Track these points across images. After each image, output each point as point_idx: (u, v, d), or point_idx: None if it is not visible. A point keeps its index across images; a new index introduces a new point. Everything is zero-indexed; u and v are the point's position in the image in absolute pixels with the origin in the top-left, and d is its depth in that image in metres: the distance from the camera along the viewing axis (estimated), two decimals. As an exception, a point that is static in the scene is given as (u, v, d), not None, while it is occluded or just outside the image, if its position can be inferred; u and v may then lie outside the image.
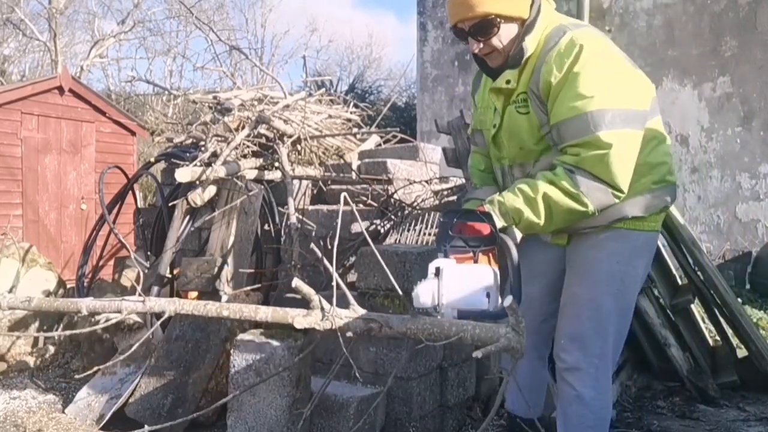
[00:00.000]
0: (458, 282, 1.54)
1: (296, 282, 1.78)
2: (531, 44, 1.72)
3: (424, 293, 1.56)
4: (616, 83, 1.65)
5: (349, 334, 1.73)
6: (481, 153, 2.08)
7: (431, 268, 1.58)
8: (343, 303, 1.81)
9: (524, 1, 1.73)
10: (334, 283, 1.76)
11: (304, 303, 1.84)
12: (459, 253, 1.61)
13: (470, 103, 2.15)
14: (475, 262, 1.61)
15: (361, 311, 1.76)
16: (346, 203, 2.02)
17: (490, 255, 1.65)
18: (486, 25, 1.70)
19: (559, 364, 1.88)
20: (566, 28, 1.70)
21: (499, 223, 1.63)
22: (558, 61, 1.66)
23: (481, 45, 1.74)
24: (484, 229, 1.60)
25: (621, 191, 1.64)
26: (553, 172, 1.66)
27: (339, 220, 2.04)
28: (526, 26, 1.73)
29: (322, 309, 1.74)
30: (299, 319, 1.77)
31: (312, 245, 1.87)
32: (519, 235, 1.69)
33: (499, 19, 1.69)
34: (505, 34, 1.73)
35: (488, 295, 1.55)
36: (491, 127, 1.89)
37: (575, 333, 1.83)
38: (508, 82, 1.77)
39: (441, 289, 1.54)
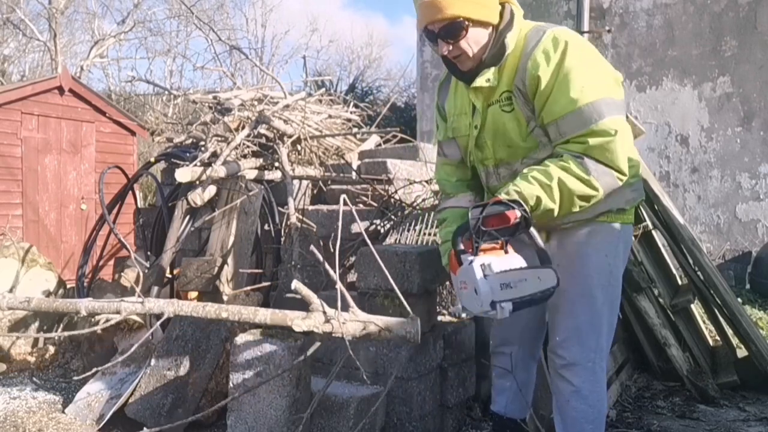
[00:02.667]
0: (513, 281, 1.55)
1: (296, 284, 1.77)
2: (511, 41, 1.76)
3: (480, 294, 1.55)
4: (602, 75, 1.73)
5: (349, 337, 1.73)
6: (450, 164, 2.09)
7: (476, 268, 1.55)
8: (343, 305, 1.81)
9: (493, 8, 1.77)
10: (338, 287, 1.75)
11: (304, 303, 1.84)
12: (489, 245, 1.61)
13: (435, 116, 2.15)
14: (506, 252, 1.62)
15: (361, 314, 1.76)
16: (345, 203, 2.02)
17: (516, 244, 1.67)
18: (455, 28, 1.73)
19: (556, 361, 1.89)
20: (545, 28, 1.76)
21: (527, 206, 1.63)
22: (544, 56, 1.70)
23: (450, 47, 1.77)
24: (513, 216, 1.60)
25: (625, 174, 1.70)
26: (561, 159, 1.69)
27: (340, 222, 2.04)
28: (505, 26, 1.77)
29: (324, 313, 1.74)
30: (298, 321, 1.77)
31: (312, 246, 1.86)
32: None
33: (467, 22, 1.72)
34: (474, 38, 1.76)
35: (529, 280, 1.56)
36: (471, 130, 1.90)
37: (571, 328, 1.85)
38: (488, 80, 1.79)
39: (494, 288, 1.53)
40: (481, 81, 1.79)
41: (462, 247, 1.64)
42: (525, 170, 1.72)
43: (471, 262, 1.58)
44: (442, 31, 1.74)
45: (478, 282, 1.54)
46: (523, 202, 1.63)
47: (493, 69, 1.78)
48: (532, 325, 2.05)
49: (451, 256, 1.71)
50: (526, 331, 2.06)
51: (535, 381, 2.22)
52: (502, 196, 1.65)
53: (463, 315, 1.66)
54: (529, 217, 1.61)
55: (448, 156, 2.08)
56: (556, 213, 1.71)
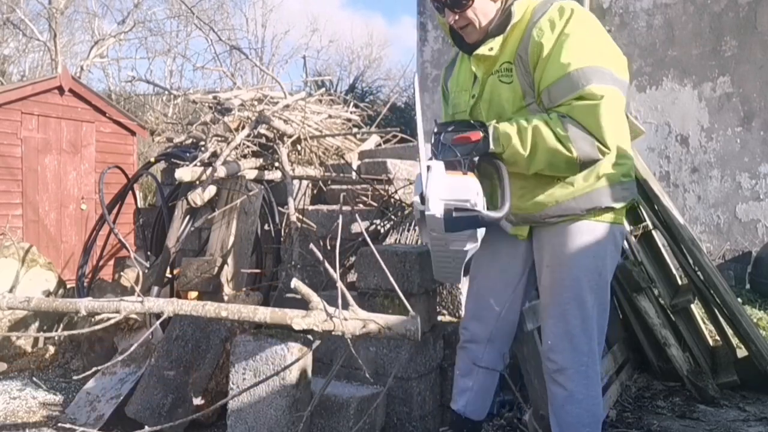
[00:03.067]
0: (447, 180, 1.58)
1: (295, 282, 1.77)
2: (519, 10, 1.76)
3: (416, 187, 1.60)
4: (604, 46, 1.71)
5: (349, 336, 1.73)
6: None
7: (423, 168, 1.60)
8: (343, 303, 1.81)
9: None
10: (338, 285, 1.75)
11: (304, 303, 1.84)
12: (448, 164, 1.64)
13: (440, 98, 2.17)
14: (464, 174, 1.64)
15: (362, 312, 1.76)
16: (346, 203, 2.02)
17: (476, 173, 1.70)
18: None
19: (549, 365, 1.87)
20: (553, 0, 1.76)
21: (498, 146, 1.66)
22: (549, 24, 1.70)
23: (457, 17, 1.78)
24: (475, 135, 1.64)
25: (607, 147, 1.65)
26: (548, 115, 1.69)
27: (339, 221, 2.04)
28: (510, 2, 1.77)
29: (324, 311, 1.74)
30: (298, 320, 1.77)
31: (311, 245, 1.86)
32: (482, 232, 1.70)
33: None
34: (481, 8, 1.77)
35: (477, 196, 1.58)
36: (469, 99, 1.89)
37: (562, 333, 1.83)
38: (490, 49, 1.78)
39: (429, 181, 1.56)
40: (484, 49, 1.79)
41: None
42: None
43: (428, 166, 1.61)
44: (450, 1, 1.76)
45: (420, 176, 1.59)
46: (493, 139, 1.66)
47: (497, 38, 1.78)
48: (502, 324, 2.03)
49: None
50: (496, 330, 2.03)
51: (536, 383, 2.21)
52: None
53: (415, 213, 1.67)
54: (488, 141, 1.64)
55: None
56: (525, 164, 1.69)
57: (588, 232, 1.80)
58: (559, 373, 1.84)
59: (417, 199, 1.59)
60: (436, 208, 1.55)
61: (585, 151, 1.64)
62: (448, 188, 1.57)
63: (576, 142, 1.63)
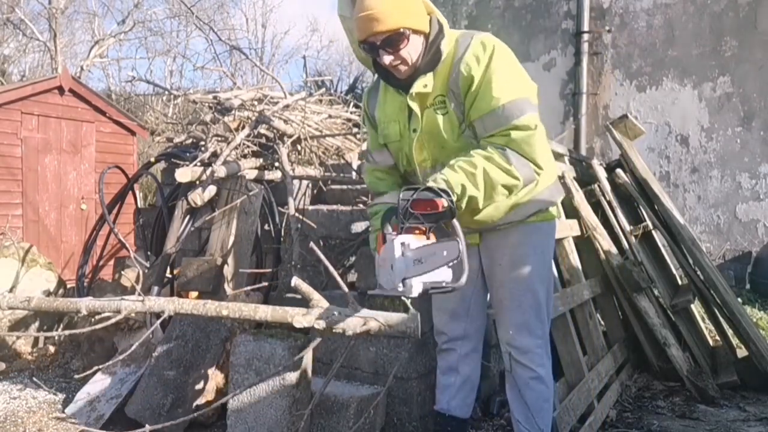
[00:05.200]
0: (419, 253, 1.60)
1: (295, 281, 1.78)
2: (446, 48, 1.88)
3: (395, 270, 1.60)
4: (523, 76, 1.89)
5: (350, 333, 1.73)
6: (381, 170, 2.17)
7: (396, 245, 1.62)
8: (343, 303, 1.81)
9: (425, 17, 1.89)
10: (337, 280, 1.76)
11: (304, 303, 1.84)
12: (416, 229, 1.67)
13: (366, 126, 2.22)
14: (428, 238, 1.67)
15: (362, 310, 1.76)
16: (346, 203, 2.03)
17: (439, 233, 1.72)
18: (397, 38, 1.81)
19: (512, 351, 2.05)
20: (472, 33, 1.91)
21: (453, 196, 1.69)
22: (476, 59, 1.83)
23: (392, 57, 1.85)
24: (441, 203, 1.67)
25: (541, 168, 1.85)
26: (486, 150, 1.80)
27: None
28: (434, 37, 1.88)
29: (326, 309, 1.74)
30: (299, 318, 1.77)
31: (311, 245, 1.87)
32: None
33: (408, 32, 1.82)
34: (413, 46, 1.86)
35: (452, 269, 1.61)
36: (410, 133, 1.98)
37: (520, 321, 2.03)
38: (425, 86, 1.89)
39: (408, 265, 1.58)
40: (419, 87, 1.89)
41: (390, 229, 1.72)
42: (452, 161, 1.80)
43: (393, 240, 1.64)
44: (384, 43, 1.82)
45: (396, 258, 1.61)
46: (449, 191, 1.69)
47: (429, 74, 1.89)
48: (473, 319, 2.17)
49: (378, 237, 1.78)
50: (468, 325, 2.16)
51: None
52: (431, 184, 1.71)
53: (377, 291, 1.70)
54: (454, 208, 1.67)
55: (378, 162, 2.17)
56: (480, 201, 1.79)
57: (533, 232, 2.03)
58: (524, 356, 2.03)
59: (392, 278, 1.61)
60: (414, 292, 1.59)
61: (526, 176, 1.83)
62: (423, 266, 1.59)
63: (519, 170, 1.79)
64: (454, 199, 1.69)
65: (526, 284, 2.02)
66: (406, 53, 1.84)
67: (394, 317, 1.76)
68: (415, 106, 1.94)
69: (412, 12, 1.82)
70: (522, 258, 2.02)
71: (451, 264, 1.60)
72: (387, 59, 1.84)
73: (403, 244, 1.62)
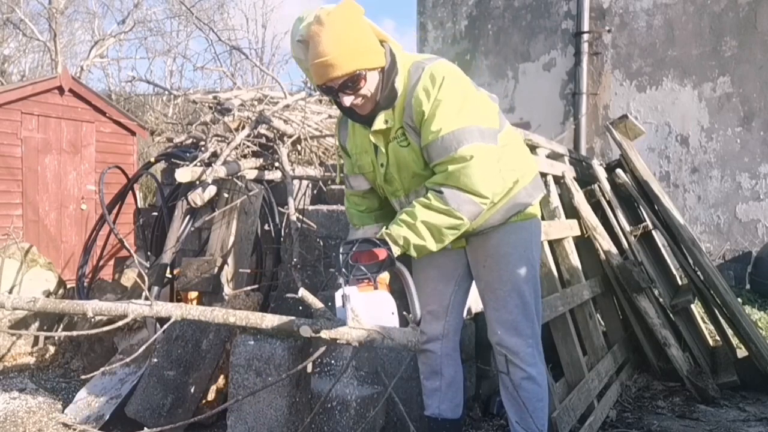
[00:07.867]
0: (368, 308, 1.75)
1: (302, 292, 1.80)
2: (400, 84, 1.88)
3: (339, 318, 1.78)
4: (470, 105, 1.87)
5: (355, 344, 1.75)
6: (357, 194, 2.18)
7: (338, 297, 1.75)
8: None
9: (380, 51, 1.87)
10: (344, 289, 1.78)
11: (305, 303, 1.85)
12: (361, 280, 1.77)
13: (339, 151, 2.26)
14: (375, 288, 1.78)
15: (366, 323, 1.78)
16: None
17: (386, 280, 1.88)
18: (354, 80, 1.82)
19: (503, 352, 2.05)
20: (423, 64, 1.89)
21: (394, 247, 1.79)
22: (425, 93, 1.83)
23: (352, 97, 1.86)
24: (381, 254, 1.77)
25: (486, 198, 1.82)
26: (425, 196, 1.83)
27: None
28: (388, 70, 1.88)
29: (330, 320, 1.78)
30: (305, 328, 1.79)
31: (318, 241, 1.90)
32: None
33: (364, 72, 1.82)
34: (371, 83, 1.86)
35: (393, 314, 1.78)
36: (378, 167, 2.01)
37: (506, 321, 2.03)
38: (386, 122, 1.91)
39: (349, 316, 1.73)
40: (379, 124, 1.90)
41: (340, 279, 1.81)
42: (398, 214, 1.86)
43: (338, 290, 1.77)
44: (342, 86, 1.82)
45: (337, 308, 1.76)
46: (392, 243, 1.77)
47: (388, 111, 1.90)
48: (452, 317, 2.17)
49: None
50: (447, 324, 2.16)
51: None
52: (371, 236, 1.81)
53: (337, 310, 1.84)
54: (392, 257, 1.76)
55: (354, 188, 2.17)
56: (431, 247, 1.82)
57: (516, 231, 2.03)
58: (515, 356, 2.03)
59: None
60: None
61: (471, 211, 1.82)
62: (369, 316, 1.75)
63: (461, 208, 1.79)
64: (396, 249, 1.77)
65: (510, 284, 2.02)
66: (365, 90, 1.85)
67: (396, 331, 1.80)
68: (379, 142, 1.95)
69: (366, 50, 1.82)
70: (504, 257, 2.02)
71: (393, 312, 1.76)
72: (347, 100, 1.86)
73: (344, 296, 1.74)
